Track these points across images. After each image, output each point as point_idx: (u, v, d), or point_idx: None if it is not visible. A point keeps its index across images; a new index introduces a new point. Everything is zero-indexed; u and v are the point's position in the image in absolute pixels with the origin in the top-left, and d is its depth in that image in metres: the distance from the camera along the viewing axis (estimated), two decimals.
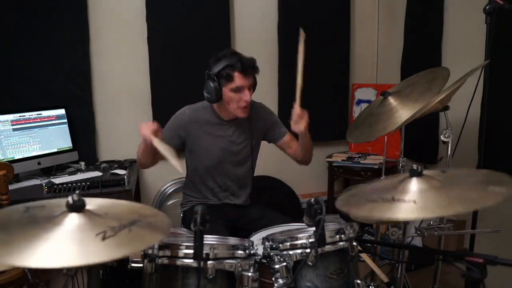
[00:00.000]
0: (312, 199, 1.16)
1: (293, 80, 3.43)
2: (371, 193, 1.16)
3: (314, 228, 1.15)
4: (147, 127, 1.61)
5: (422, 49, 2.94)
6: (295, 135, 1.89)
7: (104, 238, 0.88)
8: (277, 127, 2.01)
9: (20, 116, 2.53)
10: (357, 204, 1.15)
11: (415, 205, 1.01)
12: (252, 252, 1.24)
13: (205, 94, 1.78)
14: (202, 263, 1.10)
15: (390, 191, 1.11)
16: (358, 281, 1.24)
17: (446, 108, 1.68)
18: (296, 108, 1.73)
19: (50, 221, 0.92)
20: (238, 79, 1.73)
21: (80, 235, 0.90)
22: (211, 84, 1.73)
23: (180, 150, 1.91)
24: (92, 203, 1.01)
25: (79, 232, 0.90)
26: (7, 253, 0.80)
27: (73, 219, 0.93)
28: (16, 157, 2.50)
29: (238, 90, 1.75)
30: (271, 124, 2.00)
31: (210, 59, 1.79)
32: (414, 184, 1.10)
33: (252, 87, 1.82)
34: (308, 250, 1.20)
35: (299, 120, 1.74)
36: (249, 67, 1.75)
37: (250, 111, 1.84)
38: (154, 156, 1.76)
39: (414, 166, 1.13)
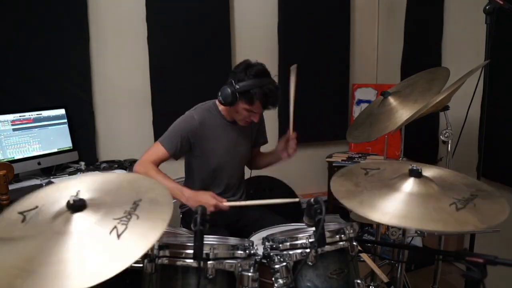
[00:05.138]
0: (312, 199, 1.16)
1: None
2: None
3: (314, 228, 1.15)
4: (214, 202, 1.63)
5: (422, 49, 2.94)
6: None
7: (118, 236, 0.87)
8: (262, 134, 2.08)
9: (20, 116, 2.53)
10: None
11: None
12: (252, 252, 1.24)
13: (219, 96, 1.75)
14: (202, 263, 1.10)
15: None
16: (358, 281, 1.24)
17: (446, 108, 1.68)
18: (292, 134, 1.79)
19: (55, 229, 0.89)
20: (257, 107, 1.73)
21: (95, 240, 0.87)
22: (229, 92, 1.70)
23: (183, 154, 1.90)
24: (85, 188, 0.99)
25: (92, 236, 0.88)
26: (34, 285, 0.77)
27: (79, 221, 0.91)
28: (16, 157, 2.50)
29: (252, 111, 1.75)
30: (261, 129, 2.06)
31: (239, 66, 1.75)
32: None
33: None
34: (308, 250, 1.20)
35: (294, 145, 1.80)
36: (272, 104, 1.73)
37: None
38: None
39: (414, 166, 1.14)
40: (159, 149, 1.81)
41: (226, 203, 1.66)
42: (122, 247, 0.85)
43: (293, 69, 1.79)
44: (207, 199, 1.64)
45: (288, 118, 1.78)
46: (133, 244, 0.86)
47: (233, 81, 1.71)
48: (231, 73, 1.75)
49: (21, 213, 0.98)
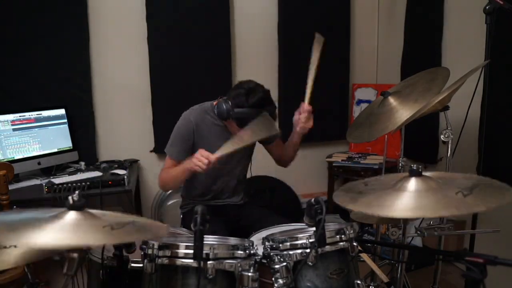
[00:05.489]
0: (312, 199, 1.16)
1: (293, 80, 3.42)
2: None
3: (314, 228, 1.15)
4: (205, 160, 1.60)
5: (422, 49, 2.94)
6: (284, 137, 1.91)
7: (113, 229, 0.90)
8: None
9: (20, 116, 2.53)
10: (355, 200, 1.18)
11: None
12: (252, 252, 1.24)
13: (215, 108, 1.75)
14: (202, 263, 1.10)
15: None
16: (358, 281, 1.24)
17: (446, 108, 1.68)
18: (306, 106, 1.77)
19: (50, 217, 0.92)
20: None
21: (86, 226, 0.91)
22: (224, 110, 1.69)
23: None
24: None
25: (84, 225, 0.91)
26: (23, 235, 0.81)
27: (73, 215, 0.94)
28: (16, 157, 2.50)
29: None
30: None
31: (241, 86, 1.71)
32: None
33: None
34: (308, 250, 1.20)
35: (309, 117, 1.77)
36: None
37: None
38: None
39: (414, 166, 1.14)
40: (170, 161, 1.86)
41: (214, 156, 1.61)
42: (115, 235, 0.89)
43: (318, 38, 1.74)
44: (197, 156, 1.62)
45: (305, 88, 1.74)
46: (126, 234, 0.91)
47: (231, 102, 1.69)
48: (232, 89, 1.73)
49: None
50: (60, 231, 0.86)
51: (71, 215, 0.93)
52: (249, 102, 1.66)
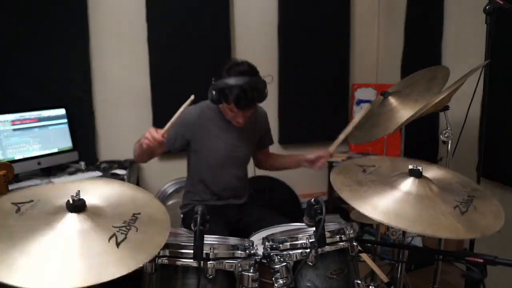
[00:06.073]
0: (312, 199, 1.16)
1: (293, 80, 3.42)
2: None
3: (314, 228, 1.15)
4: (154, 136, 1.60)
5: (422, 49, 2.95)
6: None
7: (118, 244, 0.87)
8: (268, 135, 2.08)
9: (20, 116, 2.53)
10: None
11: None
12: (252, 252, 1.24)
13: (208, 95, 1.75)
14: (202, 263, 1.10)
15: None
16: (358, 281, 1.24)
17: (446, 108, 1.68)
18: (329, 155, 1.80)
19: (51, 225, 0.90)
20: (234, 107, 1.71)
21: (91, 242, 0.87)
22: (213, 92, 1.70)
23: (181, 150, 1.91)
24: (83, 191, 0.99)
25: (89, 240, 0.88)
26: (22, 275, 0.77)
27: (75, 221, 0.91)
28: (16, 157, 2.49)
29: (233, 111, 1.74)
30: (266, 131, 2.05)
31: (226, 64, 1.73)
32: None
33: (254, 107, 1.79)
34: (308, 250, 1.20)
35: (325, 163, 1.82)
36: (245, 105, 1.70)
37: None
38: (150, 156, 1.79)
39: (414, 166, 1.14)
40: None
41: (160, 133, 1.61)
42: (121, 256, 0.86)
43: (367, 108, 1.82)
44: (145, 134, 1.63)
45: (337, 137, 1.79)
46: (132, 255, 0.88)
47: (214, 78, 1.71)
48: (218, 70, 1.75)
49: (15, 203, 0.97)
50: (71, 265, 0.82)
51: (74, 222, 0.91)
52: (230, 73, 1.67)
